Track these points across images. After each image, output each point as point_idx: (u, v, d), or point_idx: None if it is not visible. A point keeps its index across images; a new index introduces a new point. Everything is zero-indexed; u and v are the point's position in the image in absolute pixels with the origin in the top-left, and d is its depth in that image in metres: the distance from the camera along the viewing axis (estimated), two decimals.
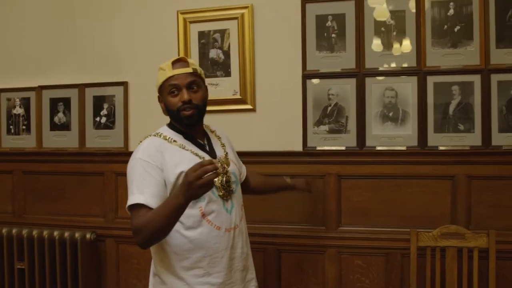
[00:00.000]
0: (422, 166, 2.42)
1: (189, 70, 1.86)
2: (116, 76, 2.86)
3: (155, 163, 1.79)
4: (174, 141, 1.86)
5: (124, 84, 2.84)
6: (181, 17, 2.71)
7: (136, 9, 2.82)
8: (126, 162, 2.57)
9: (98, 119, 2.90)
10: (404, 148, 2.44)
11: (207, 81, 2.64)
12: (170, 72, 1.85)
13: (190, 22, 2.70)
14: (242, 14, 2.62)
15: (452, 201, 2.40)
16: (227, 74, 2.66)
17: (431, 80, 2.40)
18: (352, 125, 2.49)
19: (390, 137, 2.45)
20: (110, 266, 2.87)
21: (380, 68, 2.45)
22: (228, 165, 1.91)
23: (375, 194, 2.49)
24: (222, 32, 2.66)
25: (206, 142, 1.94)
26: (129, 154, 2.54)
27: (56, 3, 2.98)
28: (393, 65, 2.44)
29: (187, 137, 1.90)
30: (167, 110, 1.89)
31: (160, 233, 1.69)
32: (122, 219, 2.81)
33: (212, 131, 2.03)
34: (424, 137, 2.41)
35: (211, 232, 1.81)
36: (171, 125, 1.93)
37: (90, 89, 2.90)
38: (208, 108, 2.54)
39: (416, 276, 2.30)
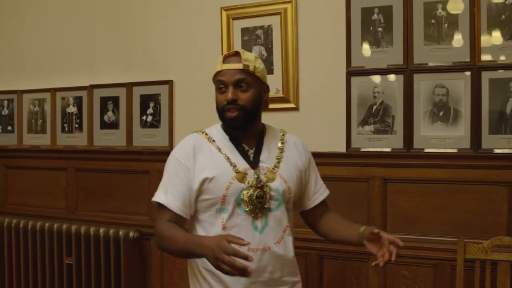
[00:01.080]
0: (476, 171, 2.25)
1: (239, 66, 1.74)
2: (161, 74, 2.91)
3: (185, 163, 1.75)
4: (213, 140, 1.80)
5: (169, 82, 2.88)
6: (224, 13, 2.71)
7: (180, 7, 2.86)
8: None
9: (144, 118, 2.96)
10: (455, 150, 2.28)
11: None
12: (219, 67, 1.77)
13: (233, 19, 2.69)
14: (285, 9, 2.57)
15: (508, 210, 2.21)
16: (270, 71, 2.61)
17: (486, 76, 2.22)
18: (399, 125, 2.37)
19: (440, 138, 2.30)
20: (155, 265, 2.93)
21: (430, 64, 2.30)
22: (269, 179, 1.75)
23: (423, 199, 2.35)
24: (265, 29, 2.62)
25: (253, 149, 1.80)
26: None
27: (103, 6, 3.09)
28: (444, 60, 2.29)
29: (233, 139, 1.81)
30: (216, 107, 1.80)
31: (172, 254, 1.72)
32: None
33: (282, 140, 1.87)
34: (478, 139, 2.23)
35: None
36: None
37: (137, 88, 2.97)
38: None
39: None
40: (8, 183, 3.46)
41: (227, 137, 1.81)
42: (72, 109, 3.19)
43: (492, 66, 2.21)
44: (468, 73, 2.25)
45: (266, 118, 2.55)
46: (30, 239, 3.11)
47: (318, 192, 1.93)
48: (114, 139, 3.05)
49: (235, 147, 1.80)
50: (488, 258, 2.11)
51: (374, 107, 2.42)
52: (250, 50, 2.65)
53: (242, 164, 1.76)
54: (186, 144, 1.80)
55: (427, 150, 2.33)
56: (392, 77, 2.38)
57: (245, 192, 1.72)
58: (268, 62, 2.61)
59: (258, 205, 1.73)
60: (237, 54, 1.77)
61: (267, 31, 2.62)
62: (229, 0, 2.70)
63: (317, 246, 2.52)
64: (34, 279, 3.10)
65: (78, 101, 3.16)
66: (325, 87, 2.53)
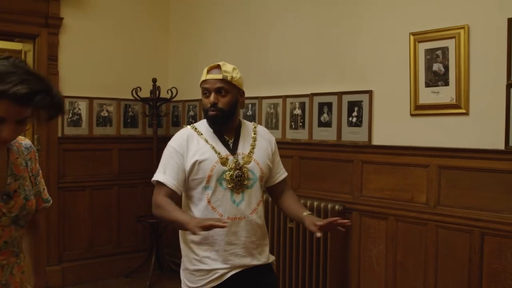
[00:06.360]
0: None
1: (219, 76, 2.35)
2: (363, 86, 3.98)
3: (180, 151, 2.37)
4: (201, 134, 2.41)
5: (369, 92, 3.95)
6: (412, 37, 3.67)
7: (378, 33, 3.88)
8: (370, 153, 3.88)
9: (350, 119, 4.08)
10: None
11: (431, 89, 3.58)
12: (204, 77, 2.39)
13: (418, 42, 3.64)
14: (459, 33, 3.43)
15: None
16: (446, 84, 3.50)
17: None
18: None
19: None
20: (354, 233, 4.03)
21: None
22: (246, 162, 2.39)
23: None
24: (443, 49, 3.52)
25: (232, 139, 2.45)
26: (372, 147, 3.83)
27: (322, 34, 4.29)
28: None
29: (216, 131, 2.43)
30: (202, 108, 2.45)
31: (162, 221, 2.44)
32: (365, 197, 3.96)
33: (255, 132, 2.52)
34: None
35: (213, 216, 2.31)
36: None
37: (345, 96, 4.10)
38: (430, 111, 3.51)
39: None
40: None
41: (211, 130, 2.43)
42: (297, 111, 4.47)
43: None
44: None
45: (443, 121, 3.48)
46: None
47: (279, 173, 2.64)
48: (327, 134, 4.24)
49: (218, 138, 2.42)
50: None
51: None
52: (430, 67, 3.58)
53: (224, 152, 2.39)
54: (180, 136, 2.43)
55: None
56: None
57: (227, 173, 2.35)
58: (445, 76, 3.51)
59: (238, 183, 2.36)
60: (218, 66, 2.39)
61: (444, 51, 3.51)
62: (415, 26, 3.65)
63: (479, 225, 3.33)
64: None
65: (302, 105, 4.44)
66: (489, 97, 3.32)
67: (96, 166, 5.45)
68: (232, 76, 2.38)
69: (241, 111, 3.99)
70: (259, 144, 2.51)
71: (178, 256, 5.66)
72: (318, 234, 2.27)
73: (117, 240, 5.63)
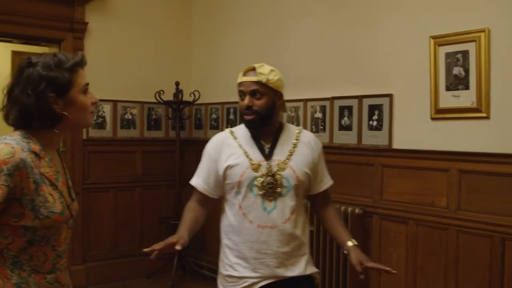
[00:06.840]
0: None
1: (254, 79, 2.30)
2: (384, 89, 3.98)
3: (212, 156, 2.39)
4: (236, 138, 2.39)
5: (389, 96, 3.95)
6: (432, 41, 3.66)
7: (399, 36, 3.88)
8: (390, 157, 3.86)
9: (371, 122, 4.08)
10: None
11: (452, 93, 3.57)
12: (240, 79, 2.36)
13: (439, 45, 3.63)
14: (479, 37, 3.41)
15: None
16: (467, 87, 3.48)
17: None
18: None
19: None
20: (374, 236, 4.02)
21: None
22: (280, 169, 2.31)
23: None
24: (464, 53, 3.50)
25: (270, 144, 2.38)
26: (392, 150, 3.82)
27: (342, 39, 4.30)
28: None
29: (253, 136, 2.38)
30: (240, 111, 2.54)
31: None
32: (385, 201, 3.95)
33: (297, 137, 2.42)
34: None
35: (243, 223, 2.32)
36: None
37: (365, 99, 4.09)
38: (451, 115, 3.50)
39: None
40: None
41: (249, 134, 2.39)
42: (318, 114, 4.49)
43: None
44: None
45: (463, 124, 3.46)
46: None
47: (324, 181, 2.53)
48: (348, 138, 4.24)
49: (254, 142, 2.37)
50: None
51: None
52: (451, 71, 3.56)
53: (258, 157, 2.34)
54: (216, 140, 2.45)
55: None
56: None
57: (258, 179, 2.30)
58: (465, 80, 3.49)
59: (270, 190, 2.29)
60: (254, 69, 2.34)
61: (465, 54, 3.49)
62: (435, 30, 3.64)
63: (499, 230, 3.30)
64: None
65: (323, 109, 4.45)
66: (510, 100, 3.27)
67: (120, 168, 5.55)
68: (267, 79, 2.32)
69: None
70: (299, 150, 2.41)
71: (201, 257, 5.80)
72: (362, 277, 2.26)
73: (140, 240, 5.71)
